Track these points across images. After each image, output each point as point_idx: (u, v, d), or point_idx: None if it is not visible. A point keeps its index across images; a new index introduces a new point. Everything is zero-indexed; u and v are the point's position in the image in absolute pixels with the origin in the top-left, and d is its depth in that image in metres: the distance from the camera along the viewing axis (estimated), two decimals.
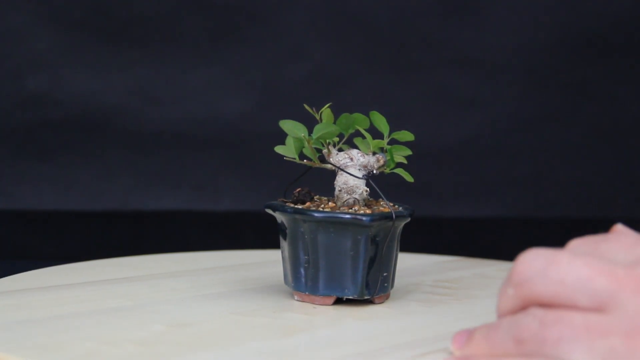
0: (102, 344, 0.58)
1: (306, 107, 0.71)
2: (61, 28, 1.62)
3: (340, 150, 0.72)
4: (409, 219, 0.71)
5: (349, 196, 0.71)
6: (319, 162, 0.72)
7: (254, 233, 1.55)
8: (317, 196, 0.74)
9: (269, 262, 0.89)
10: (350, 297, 0.70)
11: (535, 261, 0.51)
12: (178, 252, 0.92)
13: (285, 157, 0.72)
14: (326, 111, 0.71)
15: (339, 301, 0.71)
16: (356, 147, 0.72)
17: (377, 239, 0.69)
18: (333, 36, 1.68)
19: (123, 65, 1.64)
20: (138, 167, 1.62)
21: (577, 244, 0.53)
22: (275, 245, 1.01)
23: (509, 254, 1.03)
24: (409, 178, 0.71)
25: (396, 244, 0.71)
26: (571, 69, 1.68)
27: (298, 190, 0.73)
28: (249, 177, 1.62)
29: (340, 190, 0.72)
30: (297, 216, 0.70)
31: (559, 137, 1.68)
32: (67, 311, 0.66)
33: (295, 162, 0.73)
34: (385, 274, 0.70)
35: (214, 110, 1.65)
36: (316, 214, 0.69)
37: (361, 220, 0.68)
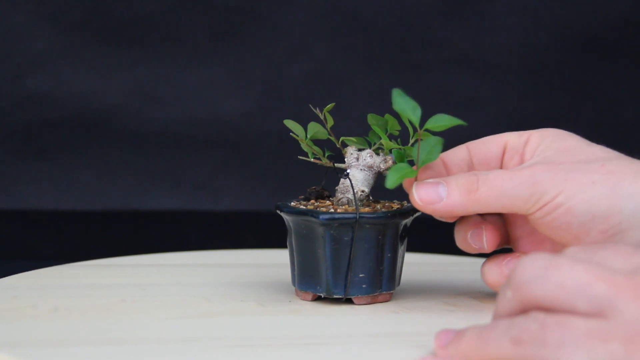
0: (103, 344, 0.58)
1: (311, 106, 0.71)
2: (61, 28, 1.63)
3: (360, 150, 0.72)
4: (385, 221, 0.69)
5: (342, 195, 0.72)
6: (327, 161, 0.73)
7: (253, 233, 1.55)
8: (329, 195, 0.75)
9: (269, 262, 0.89)
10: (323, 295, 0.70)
11: (536, 264, 0.51)
12: (178, 252, 0.93)
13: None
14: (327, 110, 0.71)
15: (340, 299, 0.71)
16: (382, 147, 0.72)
17: (346, 238, 0.69)
18: (333, 36, 1.68)
19: (123, 65, 1.64)
20: (138, 167, 1.62)
21: (574, 251, 0.53)
22: (275, 245, 1.02)
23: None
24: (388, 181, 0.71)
25: (390, 246, 0.70)
26: (571, 69, 1.68)
27: (311, 188, 0.74)
28: (249, 177, 1.62)
29: (336, 190, 0.72)
30: (280, 213, 0.71)
31: None
32: (67, 311, 0.66)
33: (307, 162, 0.73)
34: (361, 275, 0.70)
35: (214, 110, 1.65)
36: (288, 212, 0.70)
37: (317, 218, 0.68)
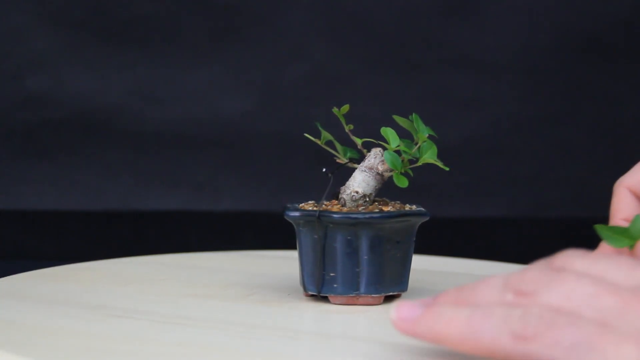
0: (103, 344, 0.58)
1: (335, 110, 0.71)
2: (61, 28, 1.63)
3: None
4: (351, 222, 0.69)
5: (341, 195, 0.72)
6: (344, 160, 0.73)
7: (253, 233, 1.55)
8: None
9: (269, 262, 0.89)
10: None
11: (541, 276, 0.49)
12: (178, 253, 0.93)
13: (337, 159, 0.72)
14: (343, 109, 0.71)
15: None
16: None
17: (315, 236, 0.69)
18: (333, 36, 1.68)
19: (123, 65, 1.64)
20: (138, 167, 1.62)
21: (571, 255, 0.51)
22: (274, 246, 1.01)
23: (509, 254, 1.03)
24: (402, 183, 0.70)
25: (368, 249, 0.69)
26: (571, 69, 1.68)
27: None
28: (249, 177, 1.62)
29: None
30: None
31: (559, 137, 1.68)
32: (67, 311, 0.67)
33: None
34: (332, 274, 0.70)
35: (214, 110, 1.65)
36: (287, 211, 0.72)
37: (287, 215, 0.70)
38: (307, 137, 0.73)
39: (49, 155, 1.61)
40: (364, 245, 0.69)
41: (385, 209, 0.71)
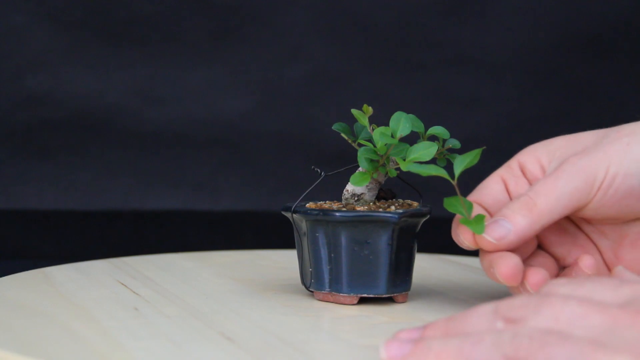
0: (102, 343, 0.58)
1: (354, 112, 0.71)
2: (61, 28, 1.63)
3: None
4: (309, 218, 0.70)
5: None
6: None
7: (253, 233, 1.55)
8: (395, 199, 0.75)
9: (268, 262, 0.89)
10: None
11: (529, 301, 0.49)
12: (177, 252, 0.93)
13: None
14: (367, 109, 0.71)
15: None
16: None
17: (300, 232, 0.71)
18: (333, 36, 1.68)
19: (123, 65, 1.64)
20: (138, 167, 1.62)
21: (559, 283, 0.52)
22: (274, 245, 1.02)
23: None
24: (357, 182, 0.70)
25: (334, 246, 0.69)
26: (571, 69, 1.68)
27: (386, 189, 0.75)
28: (249, 176, 1.62)
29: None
30: None
31: None
32: (67, 310, 0.67)
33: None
34: (310, 269, 0.71)
35: (214, 110, 1.65)
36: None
37: (282, 211, 0.72)
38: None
39: (49, 155, 1.61)
40: (331, 244, 0.70)
41: (359, 208, 0.70)
